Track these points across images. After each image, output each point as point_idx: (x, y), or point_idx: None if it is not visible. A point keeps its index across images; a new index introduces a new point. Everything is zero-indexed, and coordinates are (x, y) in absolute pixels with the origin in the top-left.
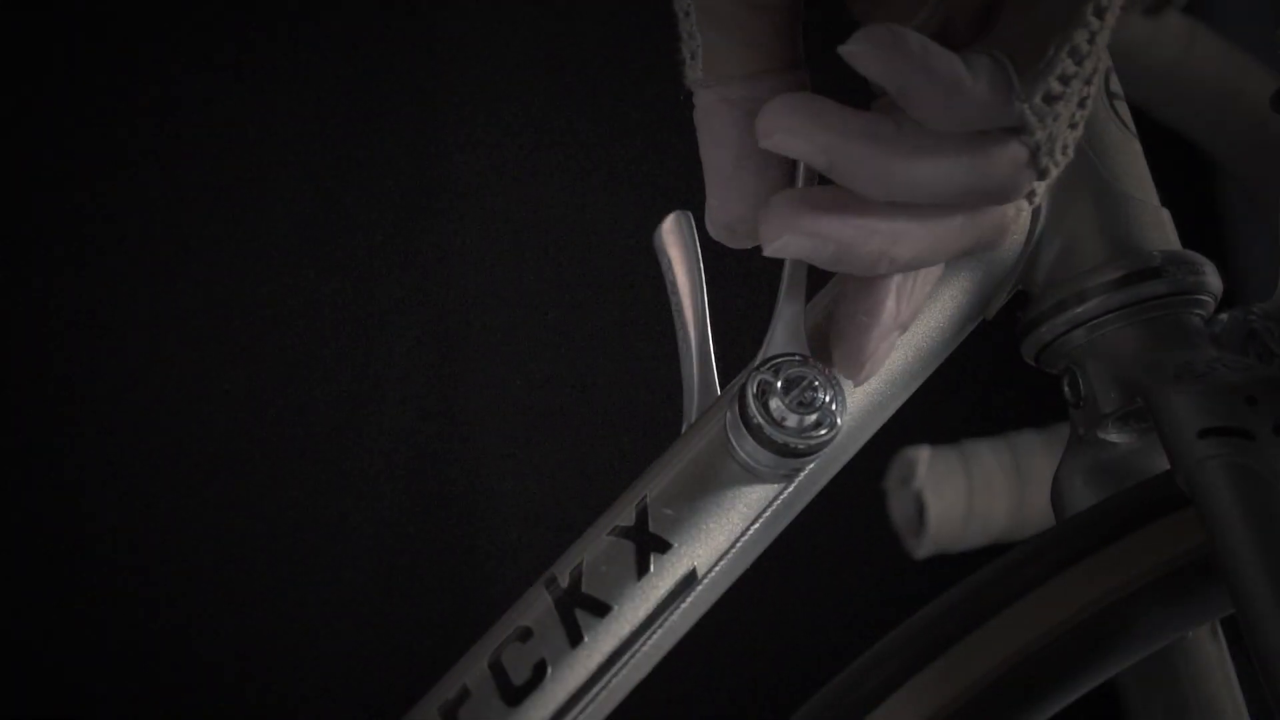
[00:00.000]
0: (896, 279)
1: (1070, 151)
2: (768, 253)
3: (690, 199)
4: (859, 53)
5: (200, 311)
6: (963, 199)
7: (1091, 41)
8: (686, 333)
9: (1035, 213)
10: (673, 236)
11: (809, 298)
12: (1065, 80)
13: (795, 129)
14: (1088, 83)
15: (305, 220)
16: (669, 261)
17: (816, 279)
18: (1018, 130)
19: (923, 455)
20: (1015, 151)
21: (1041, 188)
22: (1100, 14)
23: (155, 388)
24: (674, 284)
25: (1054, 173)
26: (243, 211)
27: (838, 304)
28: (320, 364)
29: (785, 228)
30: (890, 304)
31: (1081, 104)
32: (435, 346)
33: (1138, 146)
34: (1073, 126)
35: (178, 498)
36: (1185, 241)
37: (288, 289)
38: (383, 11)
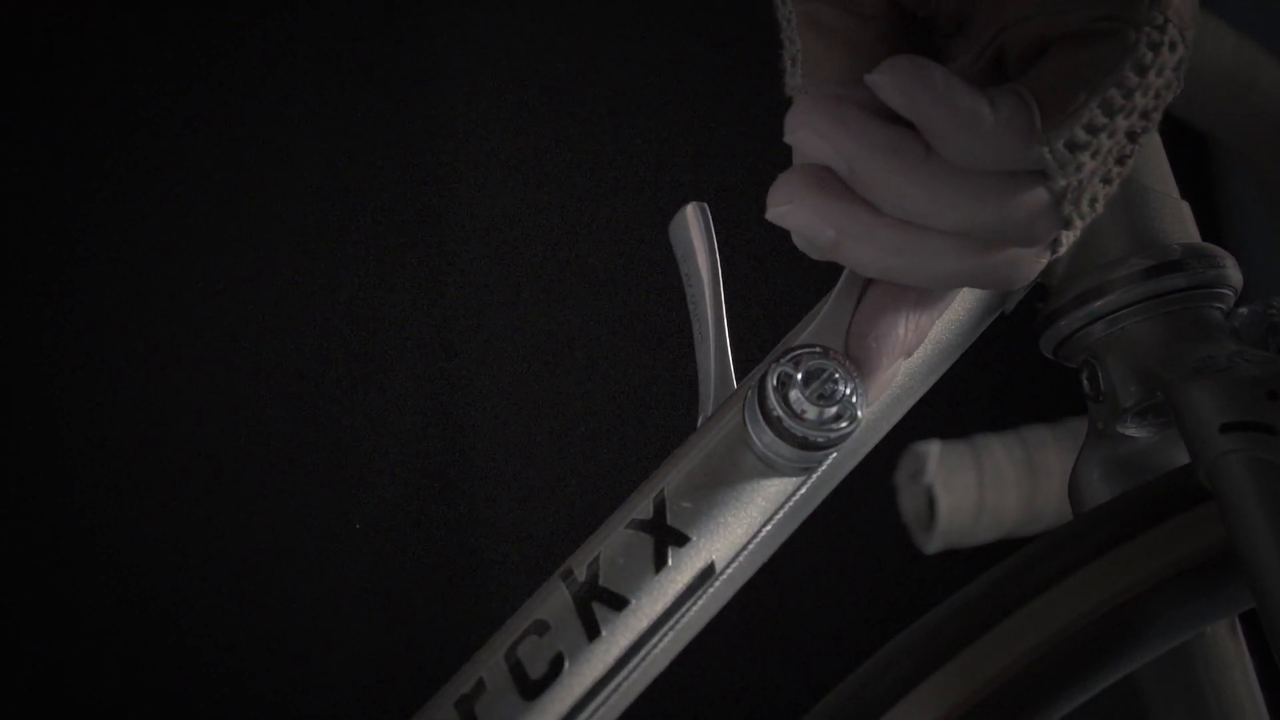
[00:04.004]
0: (907, 310)
1: (1099, 206)
2: (770, 215)
3: (704, 191)
4: (882, 83)
5: (201, 314)
6: (978, 232)
7: (1128, 97)
8: (703, 324)
9: None
10: (689, 228)
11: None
12: (1093, 131)
13: (820, 130)
14: (1133, 139)
15: (306, 222)
16: (685, 252)
17: None
18: (1044, 175)
19: (933, 449)
20: (1037, 196)
21: (1068, 237)
22: (1141, 71)
23: (155, 391)
24: (689, 275)
25: (1079, 224)
26: (243, 213)
27: (853, 327)
28: (322, 366)
29: (793, 198)
30: (900, 332)
31: (1121, 161)
32: (438, 347)
33: (1158, 139)
34: (1106, 181)
35: (179, 499)
36: None
37: (289, 290)
38: (383, 12)
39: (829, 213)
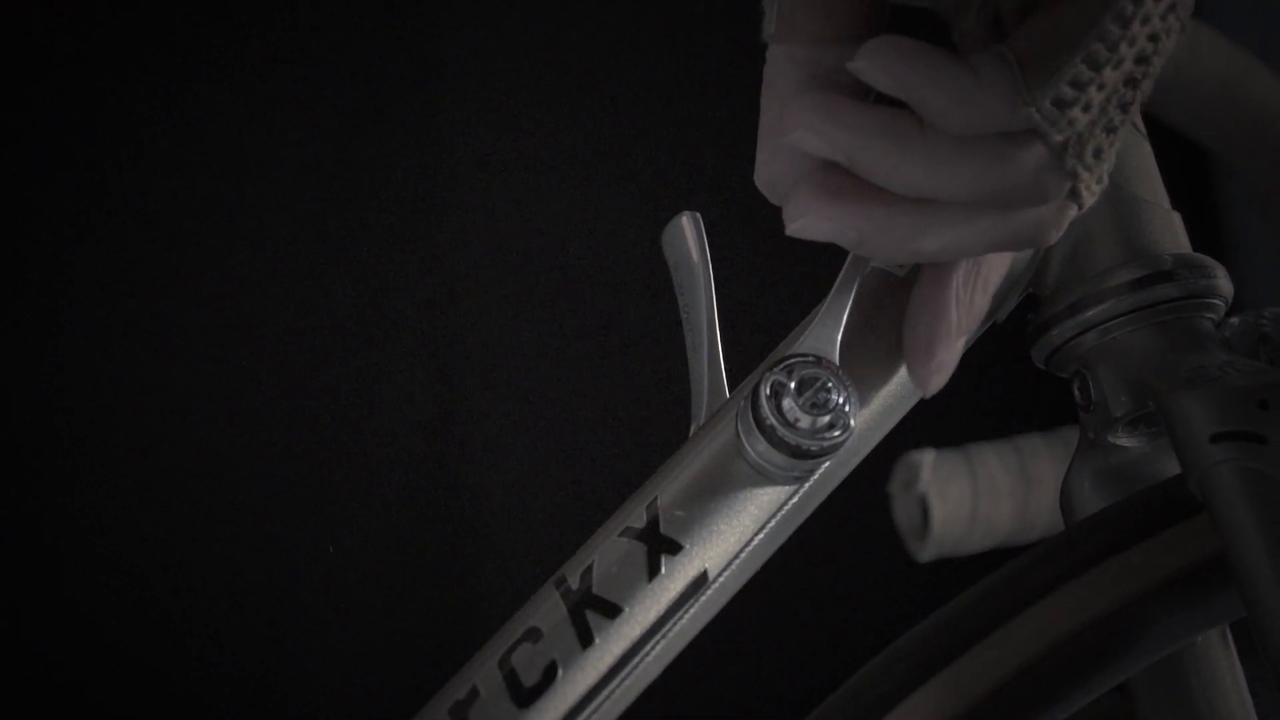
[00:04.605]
0: (955, 290)
1: (1107, 155)
2: (790, 232)
3: (698, 201)
4: (863, 67)
5: (200, 313)
6: (988, 197)
7: (1113, 50)
8: (696, 333)
9: None
10: (681, 237)
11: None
12: (1079, 86)
13: (813, 126)
14: (1133, 85)
15: (307, 223)
16: (677, 262)
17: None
18: (1041, 132)
19: (927, 458)
20: (1037, 154)
21: (1089, 190)
22: (1123, 23)
23: (155, 392)
24: (681, 285)
25: (1086, 175)
26: (243, 214)
27: (906, 316)
28: (320, 366)
29: (806, 210)
30: (951, 315)
31: (1123, 108)
32: (438, 349)
33: (1148, 149)
34: (1110, 130)
35: (178, 501)
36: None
37: (289, 292)
38: (385, 11)
39: (843, 214)
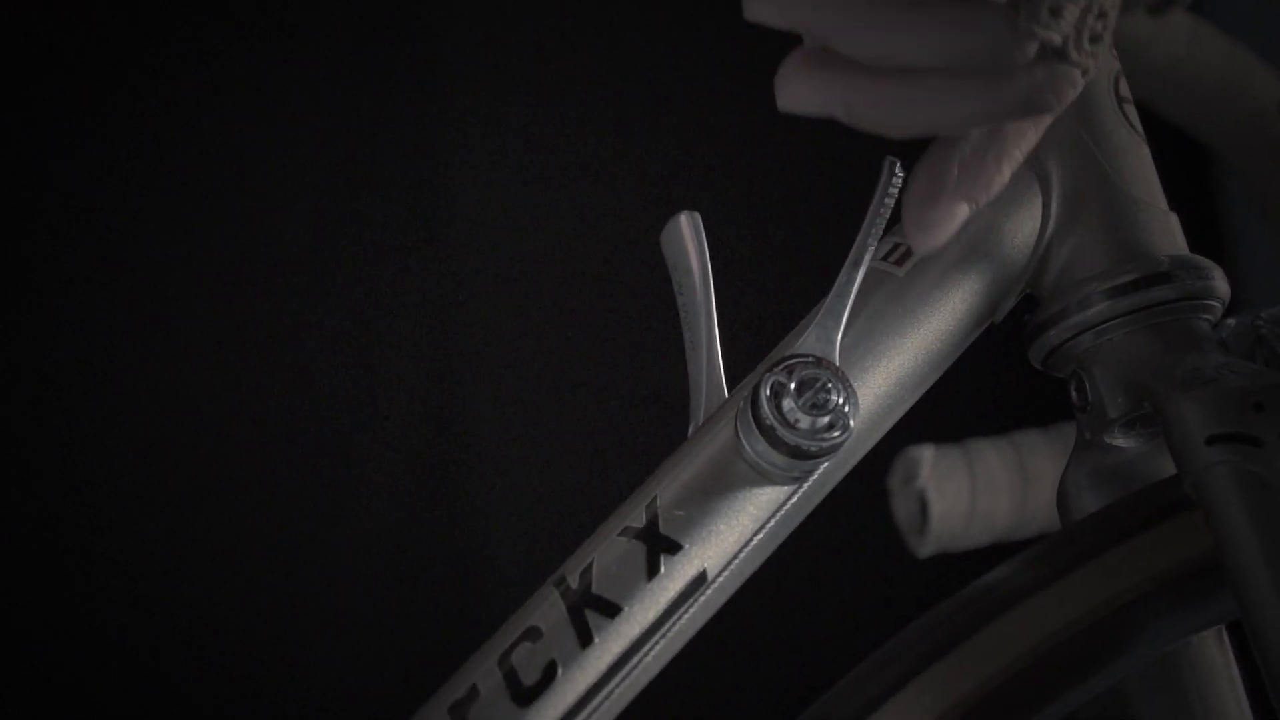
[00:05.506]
0: (962, 153)
1: (1069, 13)
2: (781, 106)
3: (696, 201)
4: None
5: (201, 315)
6: (955, 60)
7: None
8: (695, 333)
9: (1044, 216)
10: (680, 237)
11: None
12: None
13: (771, 2)
14: None
15: (307, 222)
16: (676, 262)
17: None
18: None
19: (926, 454)
20: (988, 13)
21: (1080, 52)
22: None
23: (156, 391)
24: (680, 284)
25: (1052, 35)
26: (245, 214)
27: (912, 172)
28: (321, 367)
29: (790, 79)
30: (953, 175)
31: None
32: (438, 349)
33: (1146, 150)
34: None
35: (178, 501)
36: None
37: (290, 292)
38: (386, 14)
39: (829, 85)
